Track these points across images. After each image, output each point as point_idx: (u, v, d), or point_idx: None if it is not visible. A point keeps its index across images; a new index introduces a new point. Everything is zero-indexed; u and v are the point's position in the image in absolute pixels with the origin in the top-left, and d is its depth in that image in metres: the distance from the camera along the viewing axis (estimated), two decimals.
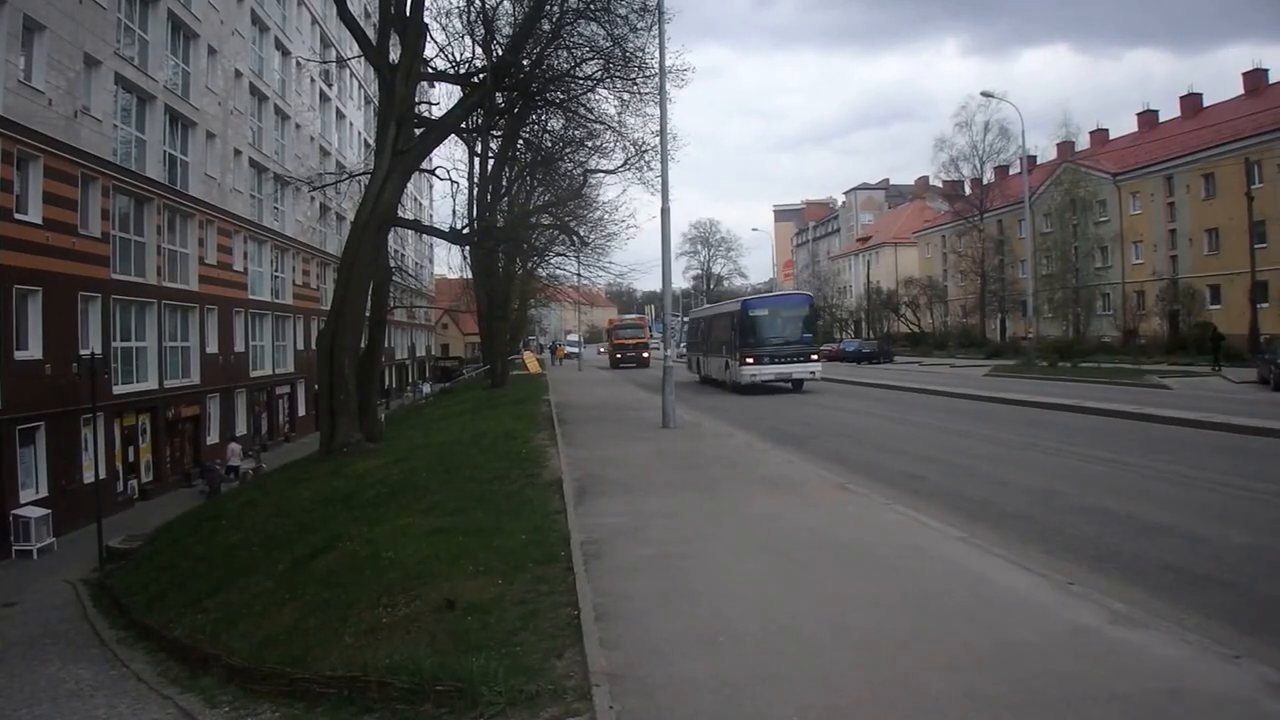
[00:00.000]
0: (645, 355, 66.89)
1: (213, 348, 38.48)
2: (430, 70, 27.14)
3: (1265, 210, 52.16)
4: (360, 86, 63.88)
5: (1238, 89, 66.11)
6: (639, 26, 25.21)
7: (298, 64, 50.12)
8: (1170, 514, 11.68)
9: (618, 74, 27.11)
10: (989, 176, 78.68)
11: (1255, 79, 64.11)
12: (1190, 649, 6.35)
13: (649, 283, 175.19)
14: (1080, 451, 17.73)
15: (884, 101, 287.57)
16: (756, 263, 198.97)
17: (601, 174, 39.85)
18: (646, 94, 28.42)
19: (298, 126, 50.89)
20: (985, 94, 66.11)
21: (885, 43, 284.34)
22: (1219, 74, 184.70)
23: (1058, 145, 77.42)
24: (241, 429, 42.42)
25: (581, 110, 30.24)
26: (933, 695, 5.66)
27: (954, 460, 17.27)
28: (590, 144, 36.21)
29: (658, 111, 25.60)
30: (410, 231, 60.83)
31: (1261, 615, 7.58)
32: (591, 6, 24.49)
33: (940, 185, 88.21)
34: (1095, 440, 19.33)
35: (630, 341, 69.55)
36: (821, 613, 7.32)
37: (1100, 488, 13.82)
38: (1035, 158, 76.58)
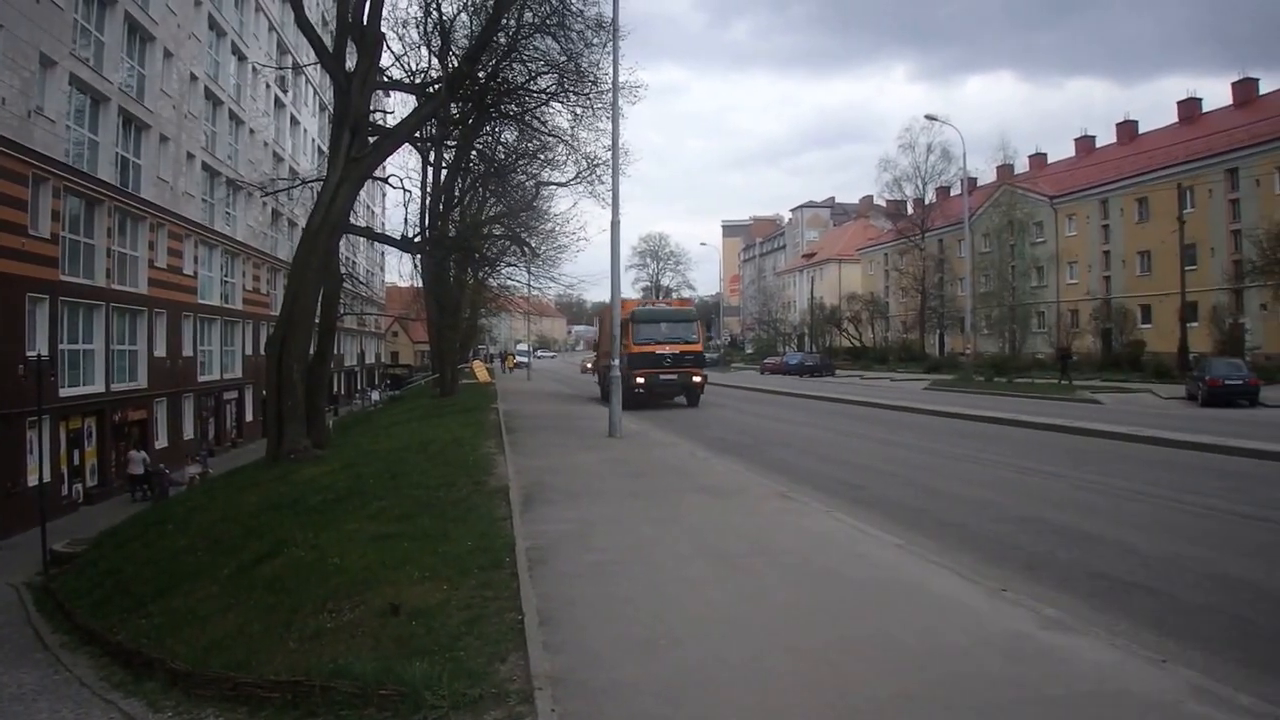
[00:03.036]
0: (698, 379, 35.64)
1: (161, 352, 38.06)
2: (386, 79, 27.21)
3: (1196, 234, 53.67)
4: (316, 93, 63.53)
5: (1173, 117, 67.83)
6: (594, 42, 25.45)
7: (254, 69, 49.76)
8: (1100, 524, 12.09)
9: (572, 88, 27.33)
10: (931, 197, 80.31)
11: (1189, 108, 66.09)
12: (1118, 653, 6.63)
13: (598, 294, 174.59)
14: (1015, 463, 18.21)
15: (833, 123, 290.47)
16: (704, 277, 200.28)
17: (553, 186, 40.11)
18: (600, 109, 28.71)
19: (252, 132, 50.52)
20: (929, 117, 67.14)
21: (837, 67, 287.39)
22: (1156, 103, 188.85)
23: (997, 168, 79.04)
24: (189, 433, 42.02)
25: (535, 123, 30.45)
26: (869, 697, 5.88)
27: (893, 470, 17.69)
28: (543, 156, 36.47)
29: (610, 126, 25.85)
30: (362, 239, 60.43)
31: (1187, 621, 7.90)
32: (547, 22, 24.68)
33: (884, 205, 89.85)
34: (1029, 453, 19.83)
35: (668, 349, 34.53)
36: (761, 617, 7.53)
37: (1034, 498, 14.25)
38: (976, 180, 78.22)
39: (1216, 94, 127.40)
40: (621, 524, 11.51)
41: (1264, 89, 61.85)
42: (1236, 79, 63.56)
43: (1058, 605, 8.00)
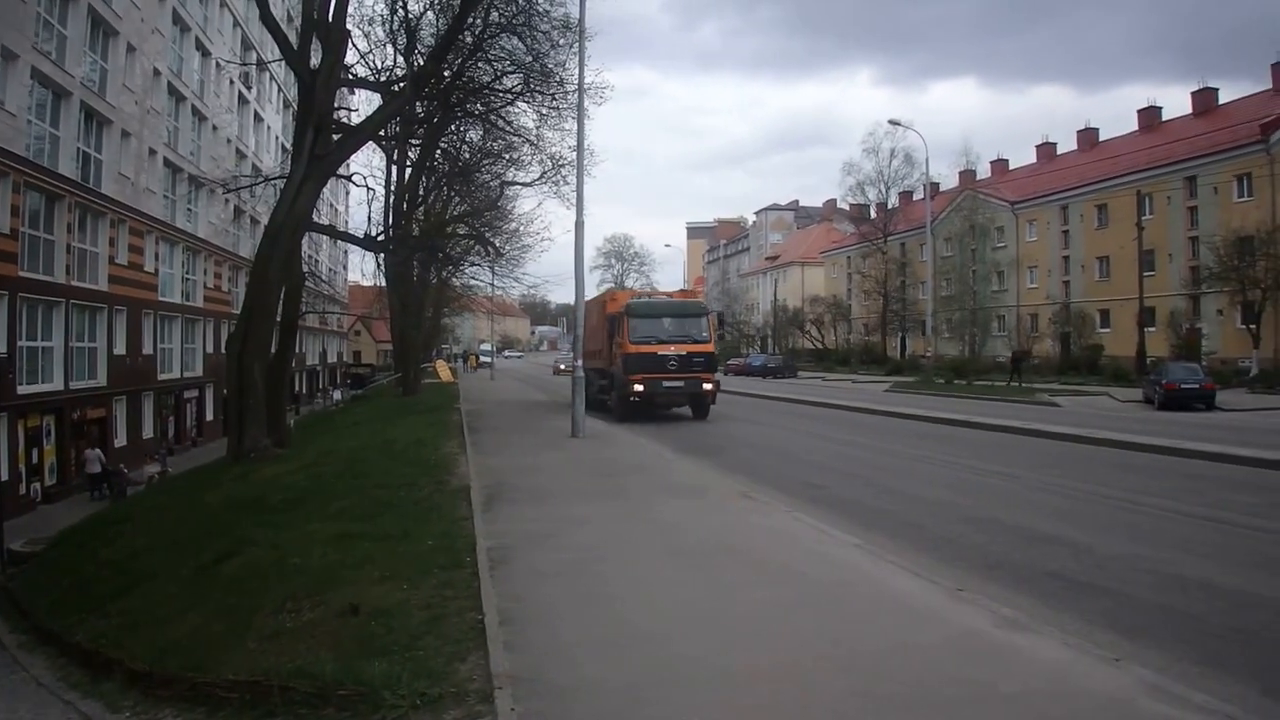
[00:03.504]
0: (708, 386, 29.82)
1: (121, 349, 37.56)
2: (351, 77, 27.11)
3: (1154, 240, 54.48)
4: (280, 90, 63.04)
5: (1133, 125, 68.62)
6: (560, 43, 25.56)
7: (218, 65, 49.26)
8: (1057, 524, 12.25)
9: (537, 88, 27.39)
10: (894, 201, 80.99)
11: (1150, 116, 66.99)
12: (1073, 652, 6.73)
13: (563, 295, 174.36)
14: (973, 465, 18.38)
15: (798, 126, 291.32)
16: (669, 278, 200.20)
17: (518, 186, 40.05)
18: (565, 109, 28.79)
19: (215, 128, 50.04)
20: (893, 122, 67.78)
21: (802, 71, 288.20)
22: (1117, 111, 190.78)
23: (960, 173, 79.60)
24: (149, 432, 41.59)
25: (500, 122, 30.46)
26: (829, 695, 5.95)
27: (853, 471, 17.83)
28: (508, 156, 36.47)
29: (576, 126, 25.88)
30: (325, 237, 60.13)
31: (1140, 620, 8.02)
32: (514, 21, 24.72)
33: (847, 208, 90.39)
34: (987, 454, 20.01)
35: (673, 349, 28.89)
36: (723, 615, 7.59)
37: (991, 499, 14.40)
38: (938, 184, 78.76)
39: (1177, 103, 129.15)
40: (584, 523, 11.52)
41: (1223, 98, 62.63)
42: (1196, 88, 64.33)
43: (1014, 605, 8.10)
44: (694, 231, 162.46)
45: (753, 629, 7.25)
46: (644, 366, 28.14)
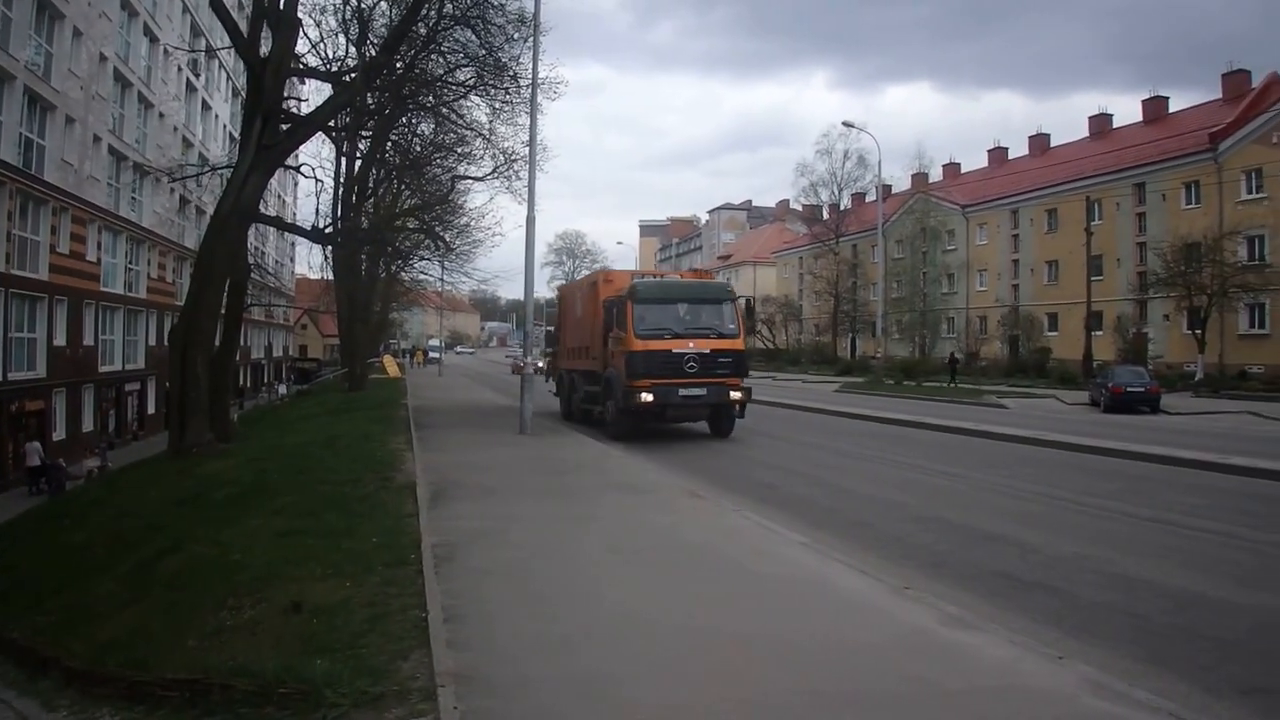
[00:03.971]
0: (737, 395, 22.64)
1: (61, 340, 36.90)
2: (301, 66, 26.73)
3: (1102, 246, 55.36)
4: (229, 78, 62.23)
5: (1084, 132, 69.63)
6: (514, 37, 25.36)
7: (166, 51, 48.53)
8: (1004, 524, 12.33)
9: (491, 82, 27.19)
10: (846, 203, 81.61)
11: (1100, 123, 68.24)
12: (1018, 650, 6.78)
13: (513, 290, 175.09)
14: (921, 465, 18.47)
15: (753, 127, 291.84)
16: None
17: (470, 180, 39.78)
18: (519, 103, 28.60)
19: (161, 115, 49.32)
20: (846, 124, 68.63)
21: (758, 71, 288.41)
22: (1069, 118, 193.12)
23: (912, 176, 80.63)
24: (89, 425, 40.95)
25: (453, 116, 30.21)
26: (776, 692, 5.93)
27: (802, 470, 17.87)
28: (460, 150, 36.22)
29: (529, 121, 25.76)
30: (272, 229, 59.52)
31: (1085, 619, 8.08)
32: (468, 14, 24.50)
33: (800, 209, 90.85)
34: (935, 454, 20.13)
35: (693, 346, 22.03)
36: (671, 613, 7.54)
37: (939, 499, 14.47)
38: (891, 187, 79.69)
39: (1128, 111, 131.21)
40: (531, 521, 11.44)
41: (1173, 107, 63.75)
42: (1147, 97, 65.51)
43: (960, 603, 8.15)
44: (647, 229, 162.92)
45: (699, 627, 7.21)
46: (654, 368, 21.39)
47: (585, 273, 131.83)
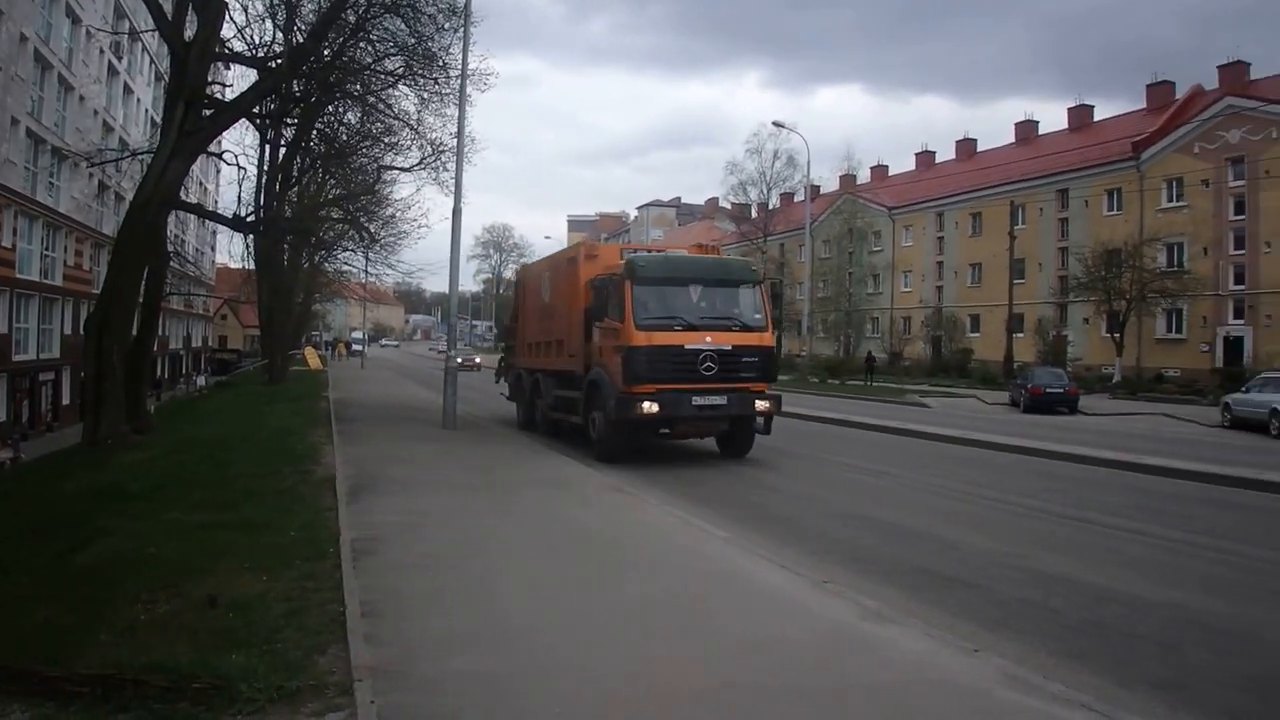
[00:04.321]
0: (763, 404, 18.29)
1: None
2: (227, 51, 26.28)
3: (1025, 250, 56.49)
4: (152, 62, 60.90)
5: (1011, 138, 70.90)
6: (445, 26, 25.07)
7: (88, 33, 47.32)
8: (925, 520, 12.54)
9: (420, 72, 26.84)
10: (775, 202, 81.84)
11: (1027, 129, 69.62)
12: (935, 643, 6.87)
13: (438, 284, 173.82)
14: (844, 462, 18.74)
15: (685, 124, 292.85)
16: None
17: (396, 171, 39.30)
18: (448, 94, 28.22)
19: (82, 99, 48.04)
20: (776, 124, 69.03)
21: (691, 69, 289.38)
22: (996, 124, 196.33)
23: (840, 177, 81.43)
24: (1, 416, 39.94)
25: (380, 105, 29.83)
26: (696, 685, 5.95)
27: (726, 466, 18.01)
28: (387, 140, 35.60)
29: (458, 112, 25.59)
30: (193, 216, 58.44)
31: (1001, 613, 8.22)
32: (398, 2, 24.21)
33: (729, 207, 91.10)
34: (858, 452, 20.42)
35: (709, 340, 17.32)
36: (592, 608, 7.55)
37: (861, 496, 14.70)
38: (819, 187, 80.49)
39: (1054, 118, 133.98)
40: (453, 516, 11.38)
41: (1098, 115, 65.23)
42: (1073, 105, 66.83)
43: (879, 597, 8.23)
44: (575, 224, 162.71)
45: (620, 622, 7.22)
46: (660, 370, 16.94)
47: (512, 267, 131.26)
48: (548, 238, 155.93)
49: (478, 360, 65.96)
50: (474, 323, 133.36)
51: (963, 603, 8.54)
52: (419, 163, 34.87)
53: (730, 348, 17.34)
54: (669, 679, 6.08)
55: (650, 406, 16.92)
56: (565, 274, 20.59)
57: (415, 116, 31.09)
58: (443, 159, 32.76)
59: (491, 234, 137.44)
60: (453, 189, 25.77)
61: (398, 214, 47.80)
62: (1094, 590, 9.03)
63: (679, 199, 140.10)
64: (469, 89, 24.16)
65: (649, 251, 22.46)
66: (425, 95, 28.64)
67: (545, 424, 22.29)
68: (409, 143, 34.56)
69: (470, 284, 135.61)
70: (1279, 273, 47.10)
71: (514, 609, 7.50)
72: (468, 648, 6.53)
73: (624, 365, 16.99)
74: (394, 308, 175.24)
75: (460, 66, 24.17)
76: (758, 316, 18.21)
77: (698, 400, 17.23)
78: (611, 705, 5.66)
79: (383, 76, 27.32)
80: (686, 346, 17.06)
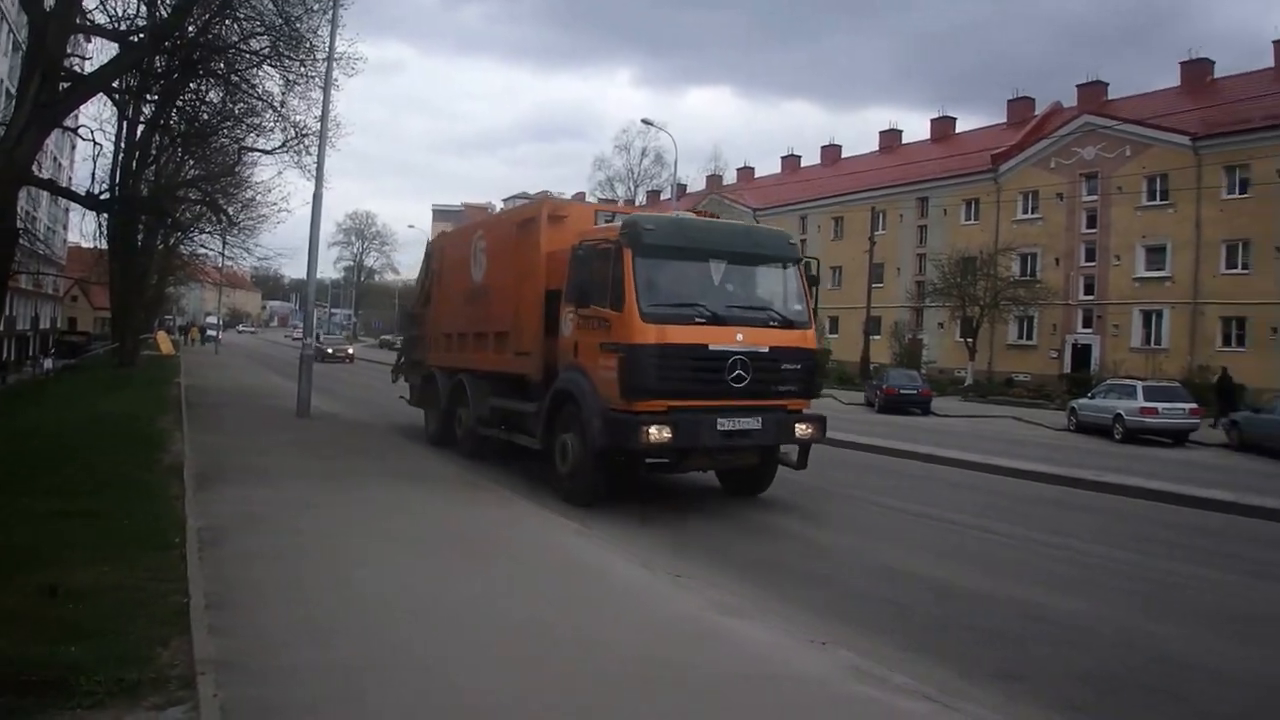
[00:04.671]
0: (804, 428, 13.38)
1: None
2: (88, 23, 25.38)
3: (884, 254, 57.99)
4: (10, 31, 58.31)
5: (875, 145, 72.75)
6: (314, 7, 24.66)
7: None
8: (781, 517, 12.99)
9: (287, 53, 26.32)
10: (641, 199, 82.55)
11: (890, 138, 71.75)
12: (783, 636, 7.07)
13: (296, 270, 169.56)
14: None
15: (555, 118, 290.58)
16: (411, 259, 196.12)
17: (258, 153, 38.40)
18: (314, 77, 27.73)
19: None
20: (646, 121, 69.63)
21: (563, 63, 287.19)
22: (862, 131, 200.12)
23: (707, 177, 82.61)
24: None
25: (244, 85, 29.14)
26: (545, 675, 6.02)
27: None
28: (249, 121, 34.74)
29: (323, 96, 25.21)
30: (45, 193, 56.19)
31: (851, 607, 8.53)
32: None
33: (595, 202, 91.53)
34: None
35: (740, 335, 12.56)
36: (443, 600, 7.54)
37: (718, 492, 14.82)
38: (686, 186, 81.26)
39: (917, 128, 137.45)
40: (304, 507, 11.17)
41: (960, 128, 67.28)
42: (936, 116, 68.85)
43: (733, 592, 8.44)
44: (440, 214, 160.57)
45: (475, 615, 7.22)
46: (675, 379, 12.38)
47: (374, 255, 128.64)
48: (411, 226, 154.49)
49: (350, 351, 64.55)
50: (333, 310, 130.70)
51: (814, 598, 8.83)
52: (282, 145, 34.06)
53: (767, 350, 12.74)
54: (520, 669, 6.12)
55: (659, 433, 12.02)
56: (514, 242, 15.71)
57: (280, 98, 30.43)
58: (306, 142, 32.05)
59: (354, 221, 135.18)
60: (315, 173, 25.36)
61: (258, 197, 46.72)
62: (940, 585, 9.43)
63: (546, 193, 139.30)
64: (336, 73, 23.92)
65: (671, 214, 17.22)
66: (291, 77, 28.07)
67: (469, 441, 17.41)
68: (272, 125, 33.70)
69: (330, 271, 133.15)
70: (1127, 285, 49.20)
71: (366, 601, 7.43)
72: (319, 641, 6.45)
73: (622, 371, 12.13)
74: (251, 293, 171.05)
75: (328, 49, 23.81)
76: (798, 308, 13.65)
77: (725, 423, 12.42)
78: (455, 698, 5.66)
79: (248, 56, 26.68)
80: (711, 347, 12.35)
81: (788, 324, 13.20)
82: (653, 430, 11.97)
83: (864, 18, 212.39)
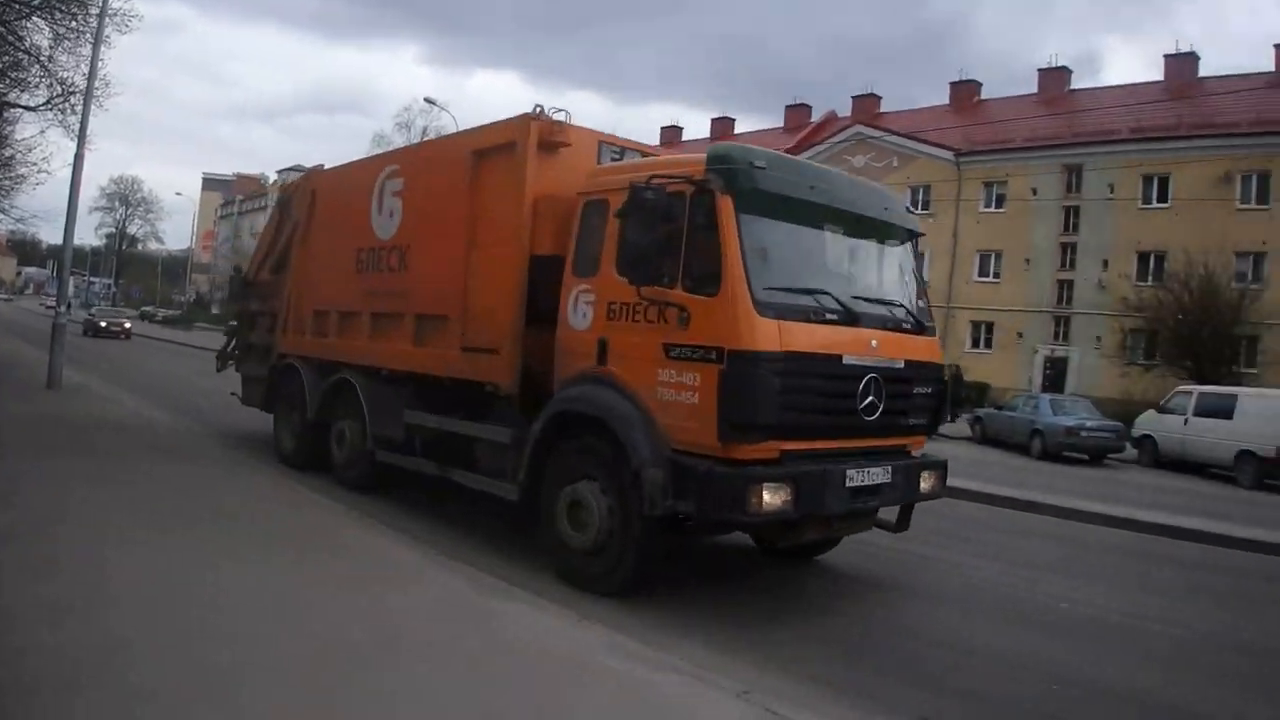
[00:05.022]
0: (929, 479, 9.06)
1: None
2: None
3: None
4: None
5: (656, 140, 74.89)
6: None
7: None
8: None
9: (57, 5, 25.10)
10: None
11: (671, 134, 75.57)
12: (545, 615, 7.18)
13: (54, 234, 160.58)
14: None
15: (336, 90, 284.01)
16: (177, 229, 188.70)
17: (20, 110, 36.38)
18: (85, 32, 26.46)
19: None
20: (428, 100, 68.58)
21: (350, 35, 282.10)
22: (644, 126, 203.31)
23: None
24: None
25: (10, 37, 27.57)
26: (287, 651, 5.96)
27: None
28: (13, 75, 32.93)
29: (92, 52, 24.10)
30: None
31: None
32: None
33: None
34: None
35: (876, 343, 8.19)
36: (201, 580, 7.22)
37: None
38: None
39: (699, 127, 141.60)
40: (49, 481, 10.43)
41: (739, 129, 70.55)
42: (716, 116, 71.40)
43: (499, 574, 8.37)
44: (210, 183, 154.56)
45: (225, 597, 6.92)
46: (800, 408, 7.72)
47: (139, 223, 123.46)
48: (179, 194, 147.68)
49: (127, 325, 57.31)
50: (92, 279, 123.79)
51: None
52: (46, 103, 32.36)
53: (903, 365, 8.61)
54: (264, 646, 6.00)
55: (777, 497, 7.47)
56: (465, 183, 10.38)
57: (48, 53, 28.98)
58: (72, 101, 30.59)
59: (119, 185, 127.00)
60: (79, 133, 24.21)
61: (17, 155, 44.15)
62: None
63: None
64: (109, 29, 22.82)
65: (772, 152, 8.76)
66: (61, 30, 26.74)
67: (358, 469, 12.26)
68: (37, 80, 32.08)
69: (91, 238, 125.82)
70: None
71: (118, 580, 7.03)
72: (62, 620, 6.08)
73: (724, 394, 7.40)
74: (6, 258, 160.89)
75: (101, 3, 22.79)
76: (923, 305, 9.63)
77: (854, 476, 8.11)
78: (206, 674, 5.48)
79: (16, 7, 25.29)
80: (845, 359, 8.07)
81: (919, 328, 9.16)
82: (767, 493, 7.39)
83: (654, 13, 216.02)
